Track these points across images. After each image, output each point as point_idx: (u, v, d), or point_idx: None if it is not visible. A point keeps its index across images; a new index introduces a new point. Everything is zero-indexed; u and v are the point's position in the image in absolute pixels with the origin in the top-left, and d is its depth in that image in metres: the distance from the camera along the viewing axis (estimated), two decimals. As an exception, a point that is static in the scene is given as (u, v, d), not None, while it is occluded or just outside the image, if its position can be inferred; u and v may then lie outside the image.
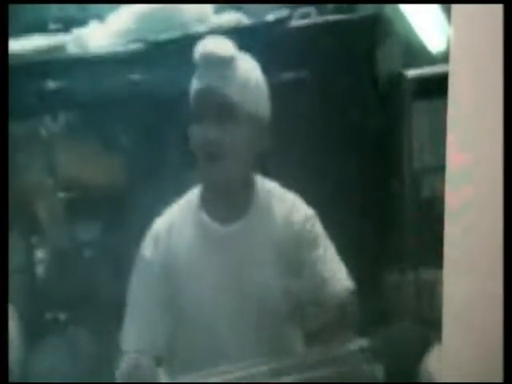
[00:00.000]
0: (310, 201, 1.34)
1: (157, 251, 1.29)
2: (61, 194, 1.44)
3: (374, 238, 1.53)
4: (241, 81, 1.26)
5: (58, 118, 1.46)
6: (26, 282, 1.43)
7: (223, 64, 1.25)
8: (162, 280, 1.29)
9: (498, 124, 1.11)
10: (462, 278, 1.16)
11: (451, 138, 1.12)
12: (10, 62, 1.37)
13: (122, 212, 1.45)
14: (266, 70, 1.29)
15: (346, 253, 1.34)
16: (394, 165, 1.52)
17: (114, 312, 1.34)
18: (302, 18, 1.46)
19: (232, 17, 1.49)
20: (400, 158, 1.50)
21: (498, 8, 1.12)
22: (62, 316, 1.43)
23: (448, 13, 1.19)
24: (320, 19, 1.48)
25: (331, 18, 1.48)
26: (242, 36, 1.34)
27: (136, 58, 1.48)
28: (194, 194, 1.32)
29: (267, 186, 1.34)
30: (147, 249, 1.30)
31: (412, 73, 1.44)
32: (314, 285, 1.31)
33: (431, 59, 1.40)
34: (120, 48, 1.49)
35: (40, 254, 1.44)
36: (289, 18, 1.46)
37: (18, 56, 1.41)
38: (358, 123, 1.50)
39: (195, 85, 1.26)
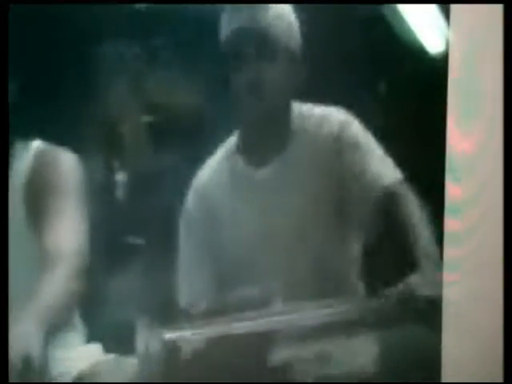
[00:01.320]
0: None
1: (198, 203, 1.33)
2: (144, 118, 1.43)
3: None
4: (274, 15, 1.30)
5: (146, 43, 1.44)
6: (106, 204, 1.43)
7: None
8: (206, 231, 1.34)
9: (498, 124, 1.06)
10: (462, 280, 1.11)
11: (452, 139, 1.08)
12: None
13: (204, 139, 1.43)
14: None
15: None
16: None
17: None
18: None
19: None
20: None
21: (496, 8, 1.05)
22: (141, 240, 1.43)
23: (447, 13, 1.13)
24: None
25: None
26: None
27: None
28: (231, 142, 1.35)
29: (302, 110, 1.31)
30: (189, 202, 1.34)
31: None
32: (359, 182, 1.30)
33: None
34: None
35: (121, 176, 1.43)
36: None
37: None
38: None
39: (227, 29, 1.31)
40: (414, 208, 1.29)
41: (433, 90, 1.23)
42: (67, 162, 1.38)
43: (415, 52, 1.38)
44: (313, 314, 1.28)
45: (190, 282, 1.35)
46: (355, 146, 1.32)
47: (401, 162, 1.37)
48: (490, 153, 1.09)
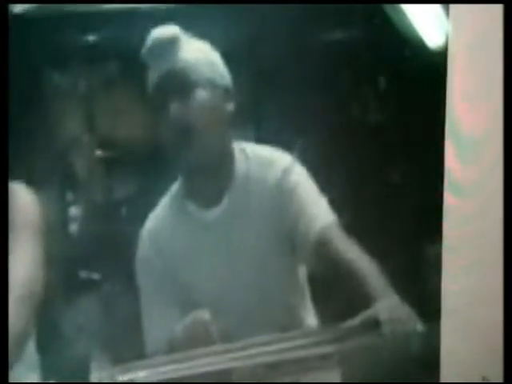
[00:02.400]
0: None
1: (153, 253, 1.33)
2: (98, 151, 1.41)
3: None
4: (191, 56, 1.30)
5: (97, 72, 1.41)
6: (59, 239, 1.40)
7: (168, 45, 1.29)
8: (166, 279, 1.34)
9: (498, 119, 1.06)
10: (461, 273, 1.11)
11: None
12: (50, 12, 1.37)
13: (160, 170, 1.41)
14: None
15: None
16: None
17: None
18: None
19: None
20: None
21: (496, 8, 1.04)
22: (97, 275, 1.40)
23: (446, 7, 1.12)
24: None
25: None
26: None
27: (177, 12, 1.42)
28: (176, 187, 1.35)
29: (245, 151, 1.32)
30: (143, 252, 1.33)
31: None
32: (297, 225, 1.33)
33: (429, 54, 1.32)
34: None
35: (75, 211, 1.40)
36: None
37: (58, 6, 1.38)
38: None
39: (152, 78, 1.30)
40: (349, 245, 1.31)
41: (432, 87, 1.23)
42: (23, 198, 1.36)
43: (415, 47, 1.37)
44: (274, 348, 1.28)
45: (155, 324, 1.34)
46: (294, 192, 1.33)
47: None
48: (490, 149, 1.08)
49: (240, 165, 1.34)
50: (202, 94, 1.31)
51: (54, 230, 1.39)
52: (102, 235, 1.39)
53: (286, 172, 1.33)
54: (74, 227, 1.40)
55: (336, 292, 1.35)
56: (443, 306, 1.12)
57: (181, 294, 1.34)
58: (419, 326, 1.27)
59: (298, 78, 1.38)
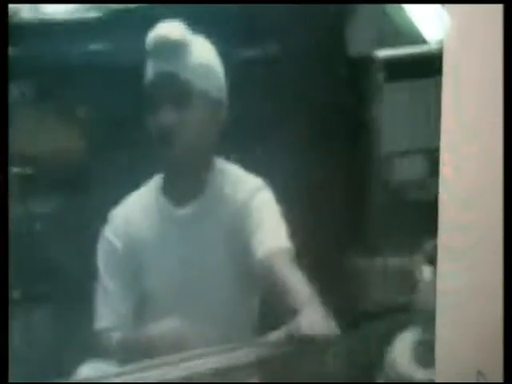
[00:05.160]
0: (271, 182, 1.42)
1: (118, 237, 1.37)
2: (14, 168, 1.37)
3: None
4: (195, 63, 1.33)
5: (12, 88, 1.38)
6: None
7: (176, 48, 1.31)
8: (126, 264, 1.38)
9: (498, 115, 1.09)
10: (457, 269, 1.14)
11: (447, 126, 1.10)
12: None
13: (79, 186, 1.40)
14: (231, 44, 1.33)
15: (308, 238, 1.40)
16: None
17: (70, 288, 1.37)
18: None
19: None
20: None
21: (496, 8, 1.09)
22: (16, 294, 1.36)
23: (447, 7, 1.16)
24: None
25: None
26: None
27: (95, 26, 1.42)
28: (154, 180, 1.40)
29: (223, 167, 1.40)
30: (109, 235, 1.37)
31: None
32: (248, 245, 1.40)
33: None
34: (79, 15, 1.42)
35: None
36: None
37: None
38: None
39: (149, 73, 1.33)
40: (291, 272, 1.39)
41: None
42: None
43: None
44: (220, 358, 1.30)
45: (108, 308, 1.36)
46: (256, 212, 1.40)
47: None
48: (488, 144, 1.09)
49: (216, 176, 1.40)
50: (194, 104, 1.35)
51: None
52: (21, 254, 1.36)
53: (254, 193, 1.40)
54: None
55: (271, 309, 1.44)
56: (438, 301, 1.14)
57: (137, 280, 1.38)
58: (339, 338, 1.34)
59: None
